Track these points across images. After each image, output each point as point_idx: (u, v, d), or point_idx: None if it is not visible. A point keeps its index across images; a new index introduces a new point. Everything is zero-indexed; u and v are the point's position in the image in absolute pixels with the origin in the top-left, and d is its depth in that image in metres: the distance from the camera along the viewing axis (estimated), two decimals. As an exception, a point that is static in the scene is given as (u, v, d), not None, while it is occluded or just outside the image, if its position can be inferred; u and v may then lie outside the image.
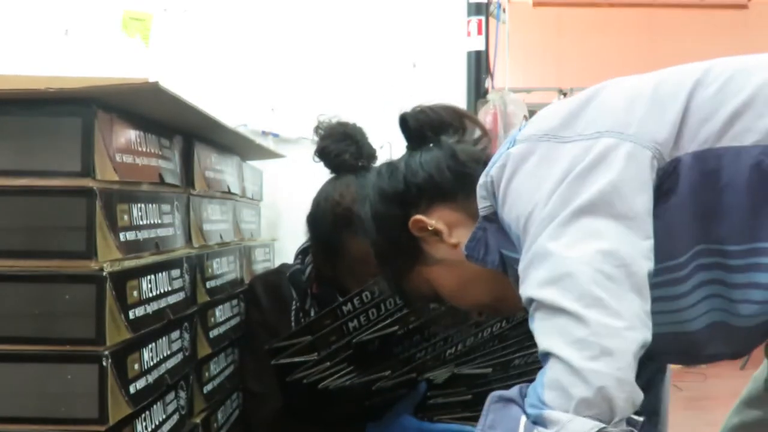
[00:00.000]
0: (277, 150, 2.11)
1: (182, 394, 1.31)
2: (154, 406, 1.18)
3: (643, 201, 0.90)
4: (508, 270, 1.06)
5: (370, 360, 1.44)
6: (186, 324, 1.33)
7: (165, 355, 1.22)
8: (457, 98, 3.11)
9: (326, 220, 1.55)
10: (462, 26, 2.82)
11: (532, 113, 2.02)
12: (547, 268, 0.89)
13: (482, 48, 2.84)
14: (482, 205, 1.03)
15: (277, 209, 2.38)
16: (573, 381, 0.84)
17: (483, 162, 1.07)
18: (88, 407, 1.01)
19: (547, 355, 0.87)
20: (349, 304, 1.46)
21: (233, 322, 1.65)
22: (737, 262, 0.93)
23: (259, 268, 1.95)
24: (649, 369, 1.23)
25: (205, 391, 1.45)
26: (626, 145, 0.91)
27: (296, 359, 1.43)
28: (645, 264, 0.88)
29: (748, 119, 0.91)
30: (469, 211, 1.08)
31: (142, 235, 1.16)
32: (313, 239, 1.62)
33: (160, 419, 1.20)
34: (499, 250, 1.04)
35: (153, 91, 1.04)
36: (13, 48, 2.84)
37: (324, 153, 1.57)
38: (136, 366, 1.11)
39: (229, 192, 1.69)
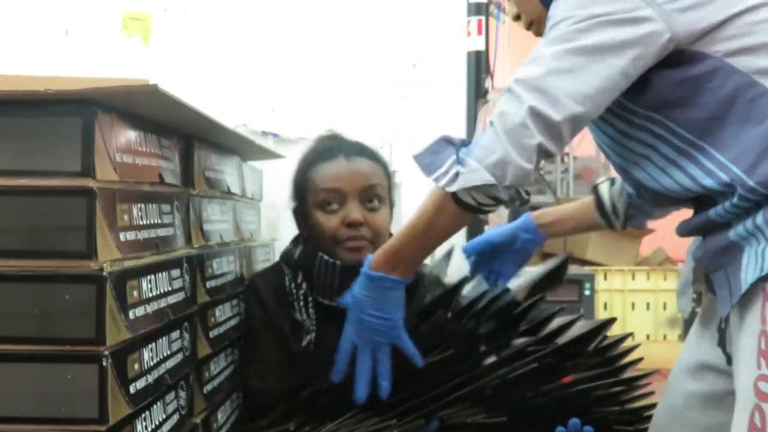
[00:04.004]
0: (277, 150, 2.11)
1: (182, 394, 1.31)
2: (154, 406, 1.18)
3: (636, 65, 1.09)
4: None
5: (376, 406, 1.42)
6: (186, 324, 1.33)
7: (165, 355, 1.22)
8: (457, 98, 3.12)
9: (294, 181, 1.78)
10: (462, 26, 2.82)
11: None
12: (534, 73, 1.10)
13: (482, 48, 2.84)
14: None
15: (277, 209, 2.38)
16: (494, 147, 1.11)
17: None
18: (88, 407, 1.01)
19: (491, 123, 1.13)
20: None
21: (233, 322, 1.65)
22: (681, 145, 1.13)
23: (259, 268, 1.95)
24: None
25: (205, 391, 1.45)
26: (658, 24, 1.08)
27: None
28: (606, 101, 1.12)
29: (764, 54, 1.08)
30: None
31: (142, 235, 1.16)
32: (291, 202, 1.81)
33: (160, 419, 1.20)
34: None
35: (152, 94, 1.04)
36: (13, 48, 2.84)
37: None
38: (136, 366, 1.11)
39: (229, 192, 1.69)
